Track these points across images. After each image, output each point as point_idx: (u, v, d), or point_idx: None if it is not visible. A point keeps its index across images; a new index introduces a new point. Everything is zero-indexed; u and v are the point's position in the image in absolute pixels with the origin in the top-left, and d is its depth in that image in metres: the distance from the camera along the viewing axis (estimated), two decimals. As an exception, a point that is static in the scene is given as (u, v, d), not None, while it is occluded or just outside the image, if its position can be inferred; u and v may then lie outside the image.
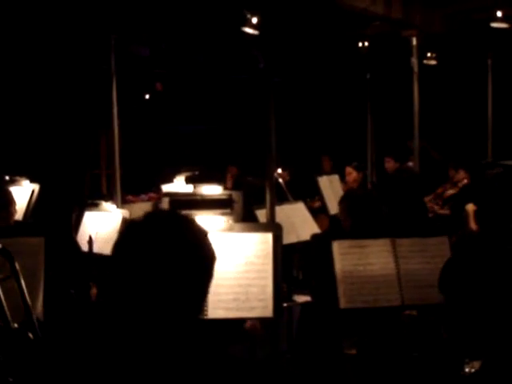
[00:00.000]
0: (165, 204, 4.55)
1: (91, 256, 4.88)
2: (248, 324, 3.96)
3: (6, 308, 1.78)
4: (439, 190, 7.85)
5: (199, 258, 1.55)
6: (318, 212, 7.02)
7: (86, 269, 4.82)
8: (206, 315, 3.19)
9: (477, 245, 1.93)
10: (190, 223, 1.59)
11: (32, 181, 5.75)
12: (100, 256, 5.30)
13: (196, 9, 7.52)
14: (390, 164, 8.99)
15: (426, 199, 7.48)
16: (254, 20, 6.61)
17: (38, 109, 9.86)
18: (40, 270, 3.39)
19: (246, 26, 6.68)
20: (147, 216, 1.59)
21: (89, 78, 9.29)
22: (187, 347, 1.51)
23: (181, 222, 1.58)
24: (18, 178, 5.75)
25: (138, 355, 1.48)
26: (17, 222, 4.97)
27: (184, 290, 1.51)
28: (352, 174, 8.01)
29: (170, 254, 1.51)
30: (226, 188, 6.06)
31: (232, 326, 3.61)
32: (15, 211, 4.60)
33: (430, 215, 7.37)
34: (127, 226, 1.60)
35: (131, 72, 8.89)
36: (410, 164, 8.73)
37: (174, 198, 4.80)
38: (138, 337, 1.50)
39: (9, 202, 4.50)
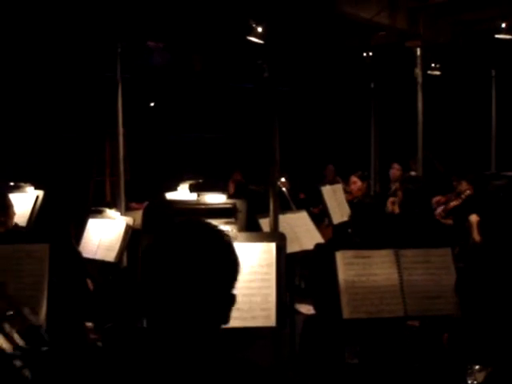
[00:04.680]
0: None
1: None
2: None
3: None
4: (442, 200, 7.86)
5: (227, 264, 1.60)
6: (319, 219, 7.03)
7: (85, 275, 4.84)
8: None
9: (487, 254, 1.96)
10: (218, 231, 1.64)
11: (36, 187, 5.76)
12: (103, 262, 5.33)
13: (202, 18, 7.55)
14: (394, 171, 9.03)
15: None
16: (259, 29, 6.64)
17: (43, 116, 9.89)
18: (44, 276, 3.40)
19: (251, 35, 6.72)
20: (177, 225, 1.63)
21: (94, 85, 9.32)
22: (209, 354, 1.56)
23: (209, 230, 1.63)
24: (22, 184, 5.76)
25: (161, 360, 1.52)
26: (21, 228, 4.99)
27: (212, 296, 1.56)
28: (356, 184, 8.01)
29: (200, 261, 1.55)
30: (228, 194, 6.07)
31: (234, 335, 3.62)
32: (14, 214, 4.60)
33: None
34: (159, 235, 1.64)
35: (137, 80, 8.93)
36: (413, 173, 8.76)
37: (178, 206, 4.81)
38: (162, 342, 1.54)
39: (7, 206, 4.49)
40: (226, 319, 1.60)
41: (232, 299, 1.61)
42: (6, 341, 1.68)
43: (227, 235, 1.64)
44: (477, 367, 2.65)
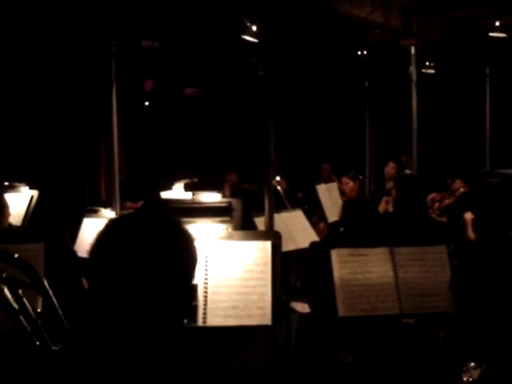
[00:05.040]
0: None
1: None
2: None
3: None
4: (437, 197, 7.87)
5: (183, 259, 1.53)
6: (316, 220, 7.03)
7: (80, 275, 4.83)
8: (205, 323, 3.20)
9: (482, 252, 1.97)
10: (177, 225, 1.58)
11: (31, 187, 5.75)
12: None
13: (197, 16, 7.56)
14: (389, 169, 9.05)
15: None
16: (254, 28, 6.65)
17: (38, 116, 9.88)
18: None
19: (245, 33, 6.72)
20: (133, 215, 1.59)
21: (89, 85, 9.31)
22: (172, 351, 1.50)
23: (168, 222, 1.57)
24: (17, 183, 5.75)
25: (122, 357, 1.46)
26: (15, 227, 4.98)
27: (167, 290, 1.49)
28: (349, 184, 8.02)
29: (154, 253, 1.49)
30: (224, 196, 6.06)
31: (230, 334, 3.62)
32: (9, 215, 4.58)
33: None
34: (111, 224, 1.57)
35: (132, 79, 8.92)
36: (408, 172, 8.77)
37: (173, 205, 4.80)
38: (120, 338, 1.48)
39: (2, 206, 4.48)
40: (187, 312, 1.55)
41: (191, 291, 1.56)
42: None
43: (180, 223, 1.58)
44: (472, 364, 2.66)
